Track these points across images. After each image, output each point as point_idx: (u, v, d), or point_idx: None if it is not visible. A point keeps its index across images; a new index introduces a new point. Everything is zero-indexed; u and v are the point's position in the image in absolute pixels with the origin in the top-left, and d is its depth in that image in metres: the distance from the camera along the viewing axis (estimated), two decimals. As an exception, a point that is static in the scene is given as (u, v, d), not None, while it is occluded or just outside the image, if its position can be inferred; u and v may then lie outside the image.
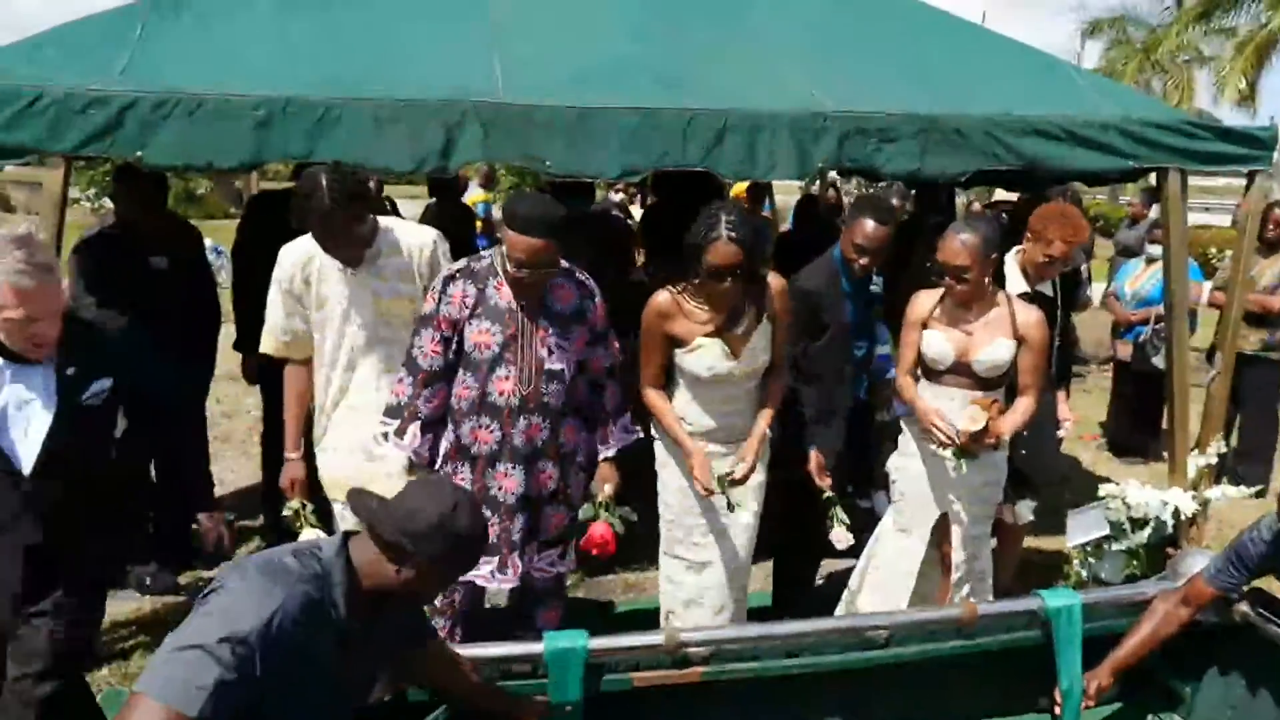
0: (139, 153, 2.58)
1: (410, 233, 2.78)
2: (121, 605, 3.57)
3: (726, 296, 2.65)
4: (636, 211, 9.51)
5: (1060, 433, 3.69)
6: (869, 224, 3.08)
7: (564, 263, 2.60)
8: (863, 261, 3.12)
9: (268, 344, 2.81)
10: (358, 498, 1.77)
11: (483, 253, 2.64)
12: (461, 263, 2.61)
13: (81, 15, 3.01)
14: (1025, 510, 3.31)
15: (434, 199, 6.61)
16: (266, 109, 2.60)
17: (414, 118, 2.68)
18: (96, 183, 14.36)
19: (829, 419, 3.21)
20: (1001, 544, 3.58)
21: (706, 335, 2.71)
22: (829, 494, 3.03)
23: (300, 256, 2.67)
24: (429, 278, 2.70)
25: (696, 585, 2.90)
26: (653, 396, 2.82)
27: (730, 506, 2.75)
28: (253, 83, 2.68)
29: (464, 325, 2.55)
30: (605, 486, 2.74)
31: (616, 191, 11.00)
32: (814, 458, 3.06)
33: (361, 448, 2.71)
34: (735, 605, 2.95)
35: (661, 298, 2.74)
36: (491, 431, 2.58)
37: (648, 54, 3.14)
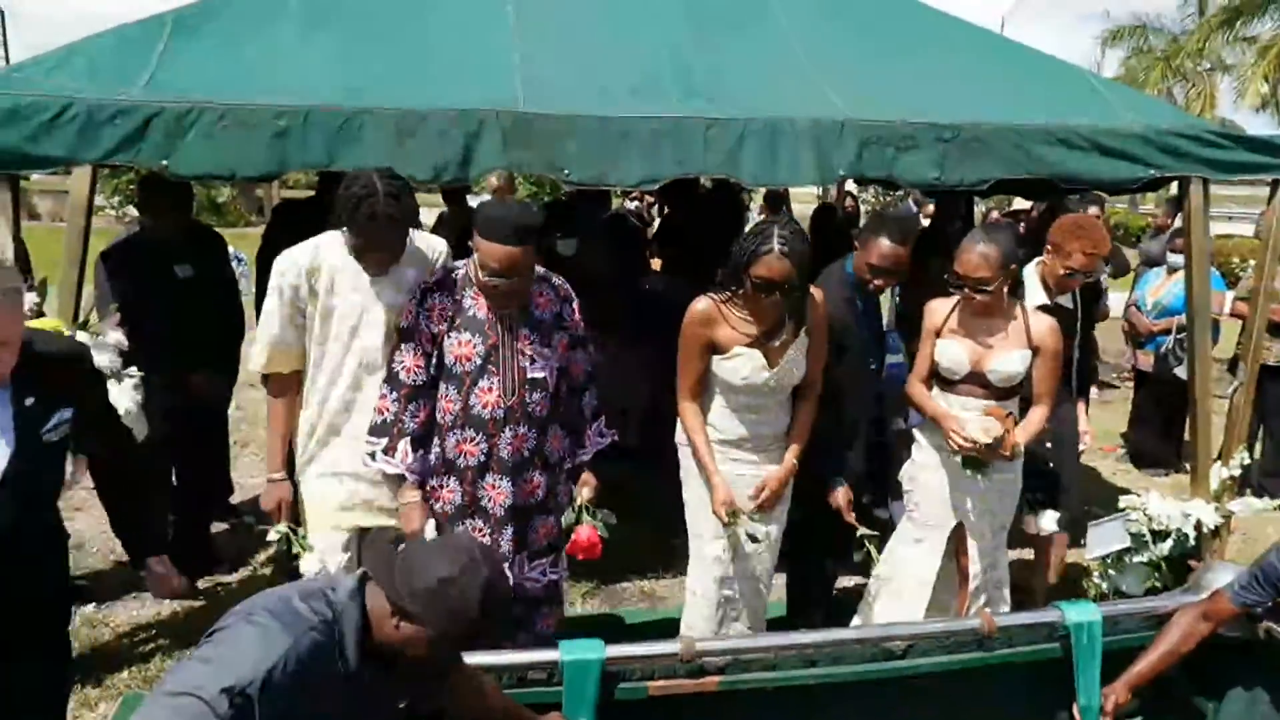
0: (164, 162, 2.62)
1: (425, 241, 2.74)
2: (141, 610, 3.61)
3: (772, 309, 2.63)
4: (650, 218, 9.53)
5: (1080, 446, 3.63)
6: (885, 243, 2.96)
7: (539, 269, 2.57)
8: (877, 281, 3.03)
9: (265, 359, 2.61)
10: (370, 547, 1.71)
11: (457, 263, 2.61)
12: (437, 274, 2.57)
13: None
14: (1049, 521, 3.25)
15: (449, 206, 6.65)
16: (288, 119, 2.64)
17: (434, 127, 2.71)
18: (121, 191, 14.53)
19: (850, 443, 3.15)
20: (1036, 556, 3.54)
21: (745, 345, 2.69)
22: (863, 531, 2.98)
23: (307, 264, 2.54)
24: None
25: (718, 596, 2.89)
26: (689, 413, 2.78)
27: (751, 538, 2.75)
28: (275, 93, 2.71)
29: (443, 338, 2.51)
30: (584, 490, 2.71)
31: (631, 199, 11.02)
32: (842, 494, 2.99)
33: (356, 472, 2.61)
34: (754, 618, 2.95)
35: (703, 305, 2.71)
36: (477, 444, 2.55)
37: (667, 62, 3.15)
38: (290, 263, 2.54)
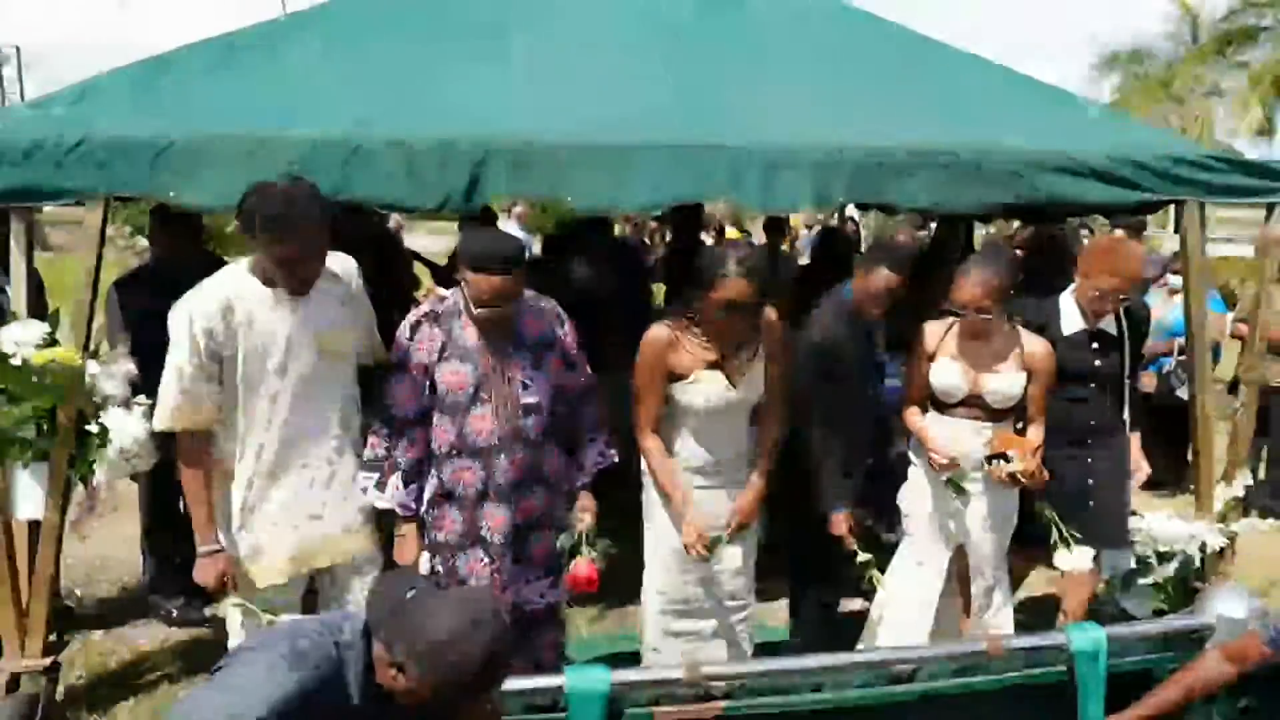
0: (172, 193, 2.67)
1: (336, 259, 2.59)
2: (149, 636, 3.61)
3: (730, 331, 2.65)
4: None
5: (1133, 482, 3.40)
6: (884, 273, 3.03)
7: (528, 291, 2.58)
8: (876, 311, 3.09)
9: (170, 417, 2.38)
10: (374, 594, 1.67)
11: (445, 294, 2.62)
12: (425, 306, 2.58)
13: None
14: (1083, 560, 3.03)
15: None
16: (297, 150, 2.68)
17: (440, 156, 2.74)
18: (132, 221, 14.63)
19: (848, 467, 3.14)
20: (1064, 593, 3.44)
21: (706, 368, 2.71)
22: (864, 557, 2.98)
23: (218, 303, 2.35)
24: (358, 306, 2.63)
25: (687, 629, 2.89)
26: (651, 444, 2.77)
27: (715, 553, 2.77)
28: (285, 124, 2.76)
29: (434, 368, 2.50)
30: (585, 517, 2.67)
31: (632, 225, 11.09)
32: (841, 520, 2.99)
33: (307, 513, 2.51)
34: (730, 648, 2.94)
35: (660, 331, 2.72)
36: (474, 472, 2.55)
37: (670, 91, 3.20)
38: (197, 307, 2.34)
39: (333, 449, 2.55)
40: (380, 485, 2.56)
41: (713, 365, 2.71)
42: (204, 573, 2.46)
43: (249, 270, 2.43)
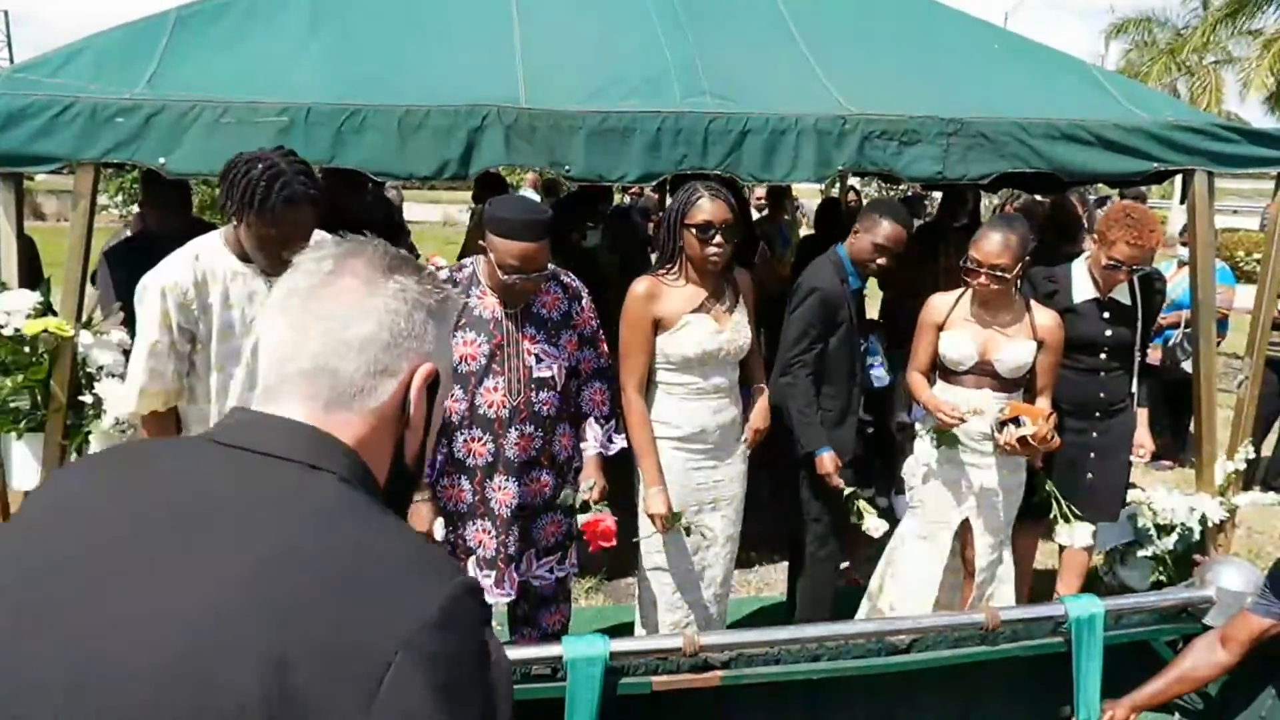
0: (162, 159, 2.62)
1: (319, 237, 2.49)
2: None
3: (715, 258, 2.65)
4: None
5: (1133, 459, 3.39)
6: (887, 224, 3.02)
7: (549, 265, 2.55)
8: (881, 261, 3.05)
9: (139, 399, 2.27)
10: None
11: (463, 262, 2.59)
12: (444, 273, 2.53)
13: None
14: (1083, 535, 3.05)
15: (481, 205, 6.66)
16: (290, 115, 2.63)
17: (436, 124, 2.70)
18: (124, 190, 14.55)
19: (843, 418, 3.16)
20: (1062, 566, 3.45)
21: (692, 312, 2.71)
22: (849, 490, 3.01)
23: (191, 277, 2.24)
24: None
25: (676, 596, 2.88)
26: (635, 402, 2.73)
27: (688, 531, 2.75)
28: (277, 90, 2.71)
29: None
30: (594, 487, 2.63)
31: (633, 195, 11.00)
32: (828, 459, 3.02)
33: None
34: (717, 615, 2.94)
35: (643, 283, 2.72)
36: (484, 443, 2.54)
37: (669, 58, 3.14)
38: (168, 279, 2.22)
39: None
40: None
41: (699, 309, 2.72)
42: None
43: (223, 243, 2.32)
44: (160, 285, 2.22)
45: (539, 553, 2.70)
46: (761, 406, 2.90)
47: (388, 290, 0.92)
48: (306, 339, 0.89)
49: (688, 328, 2.70)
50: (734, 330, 2.77)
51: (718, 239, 2.63)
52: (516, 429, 2.54)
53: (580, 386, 2.72)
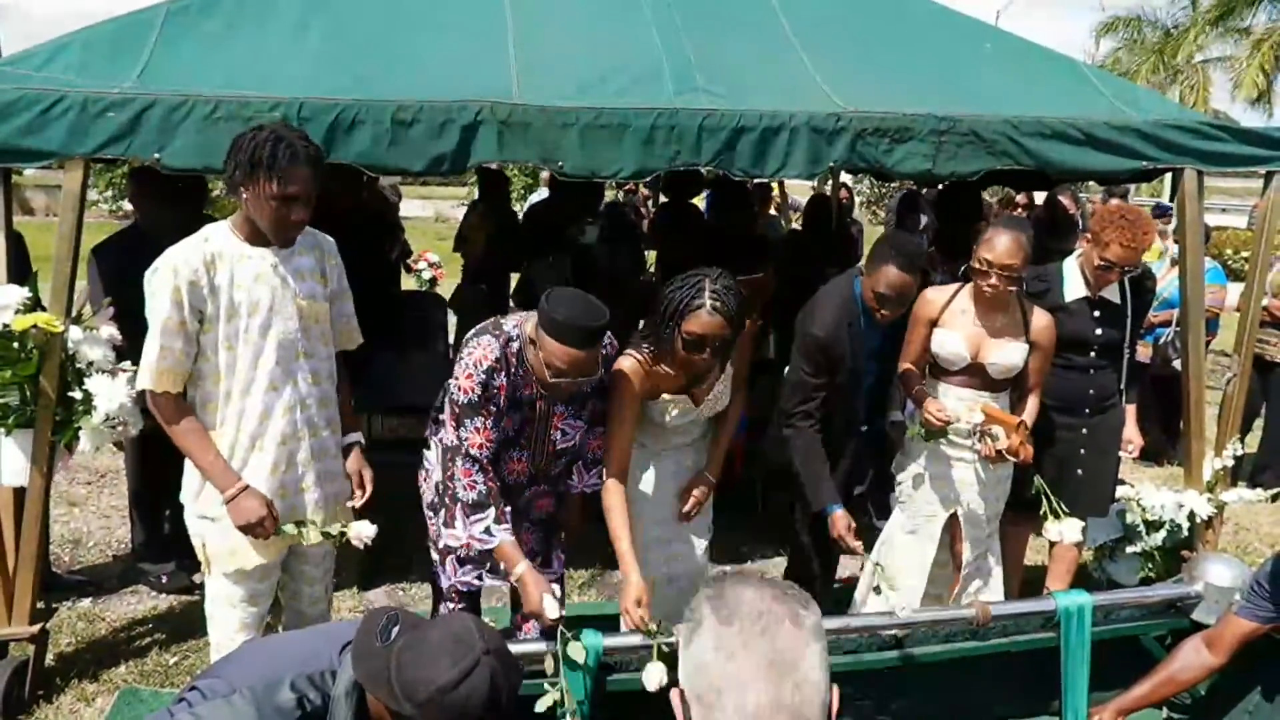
0: (156, 155, 2.61)
1: (315, 233, 2.50)
2: (137, 604, 3.61)
3: (698, 365, 2.52)
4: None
5: (1122, 454, 3.37)
6: (893, 271, 2.75)
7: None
8: (884, 311, 2.84)
9: (156, 377, 2.24)
10: (359, 656, 1.55)
11: (509, 332, 2.41)
12: (495, 350, 2.36)
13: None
14: (1073, 532, 3.01)
15: (482, 201, 6.61)
16: (283, 111, 2.63)
17: (430, 119, 2.70)
18: (115, 185, 14.47)
19: (836, 463, 3.04)
20: (1052, 561, 3.46)
21: (672, 394, 2.65)
22: (872, 559, 2.97)
23: (201, 256, 2.25)
24: (335, 286, 2.50)
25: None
26: (614, 493, 2.54)
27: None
28: (270, 85, 2.70)
29: (501, 415, 2.44)
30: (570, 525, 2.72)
31: (627, 191, 11.01)
32: (840, 519, 2.83)
33: (280, 486, 2.37)
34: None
35: (629, 366, 2.55)
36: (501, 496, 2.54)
37: (662, 55, 3.14)
38: (180, 259, 2.24)
39: (317, 421, 2.44)
40: (499, 520, 2.43)
41: (679, 390, 2.64)
42: (246, 512, 2.27)
43: (231, 228, 2.34)
44: (172, 264, 2.24)
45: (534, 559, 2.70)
46: (701, 490, 2.79)
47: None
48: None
49: (664, 404, 2.66)
50: (712, 403, 2.72)
51: (707, 354, 2.47)
52: (532, 488, 2.63)
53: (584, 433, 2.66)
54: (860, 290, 2.91)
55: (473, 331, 2.45)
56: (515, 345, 2.39)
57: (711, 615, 0.97)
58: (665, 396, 2.64)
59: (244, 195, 2.25)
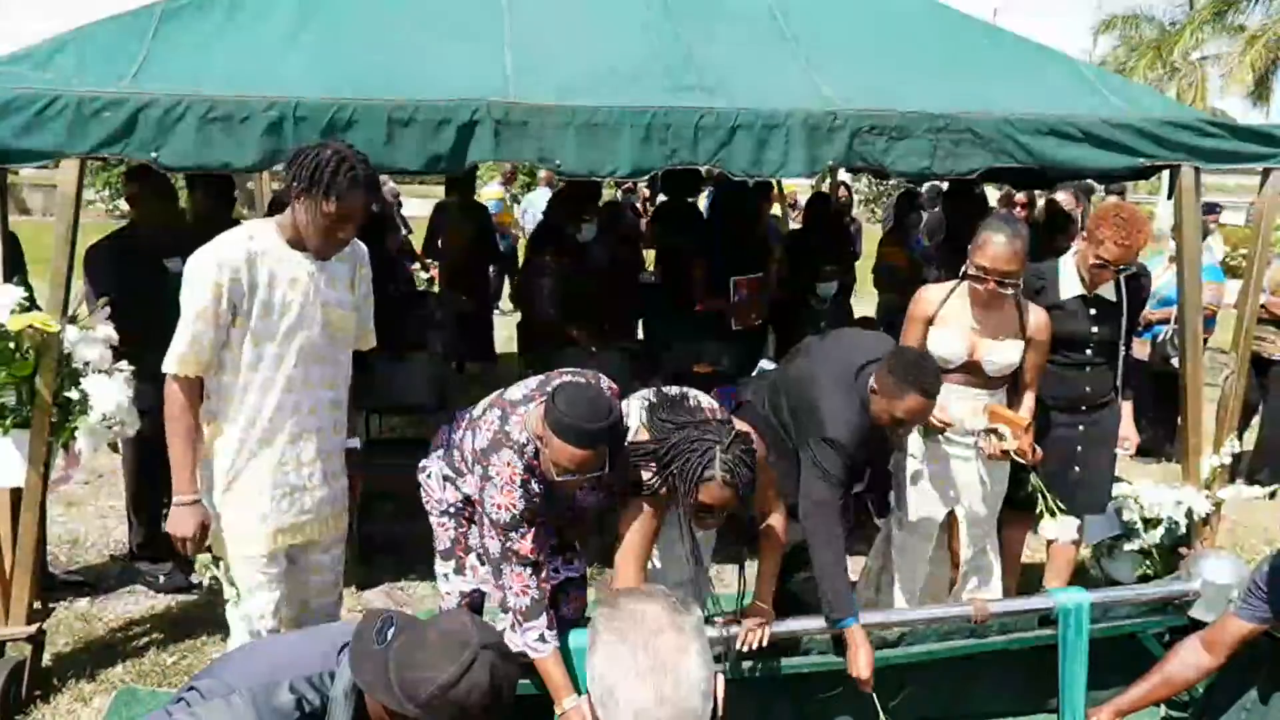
0: (153, 154, 2.61)
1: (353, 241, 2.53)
2: (135, 604, 3.61)
3: (705, 524, 2.41)
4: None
5: (1119, 452, 3.35)
6: (916, 400, 2.54)
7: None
8: (901, 432, 2.78)
9: (180, 359, 2.29)
10: (358, 659, 1.54)
11: (520, 439, 2.33)
12: (520, 464, 2.31)
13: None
14: (1068, 530, 3.00)
15: (451, 196, 6.69)
16: (279, 110, 2.62)
17: (427, 118, 2.69)
18: (111, 185, 14.45)
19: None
20: (1049, 560, 3.46)
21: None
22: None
23: (244, 253, 2.29)
24: (362, 293, 2.55)
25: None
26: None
27: None
28: (266, 85, 2.69)
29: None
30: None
31: (626, 190, 11.01)
32: (858, 634, 2.55)
33: (286, 483, 2.42)
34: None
35: (646, 530, 2.43)
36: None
37: (659, 54, 3.14)
38: (225, 253, 2.28)
39: (326, 424, 2.49)
40: (551, 626, 2.38)
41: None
42: (181, 524, 2.33)
43: (276, 228, 2.37)
44: (216, 259, 2.28)
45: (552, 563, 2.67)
46: (761, 610, 2.58)
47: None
48: None
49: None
50: (716, 527, 2.61)
51: (713, 520, 2.39)
52: (553, 539, 2.59)
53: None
54: (871, 405, 2.65)
55: (484, 442, 2.34)
56: (531, 448, 2.34)
57: (605, 630, 1.20)
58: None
59: (296, 204, 2.30)
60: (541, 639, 2.32)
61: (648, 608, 1.21)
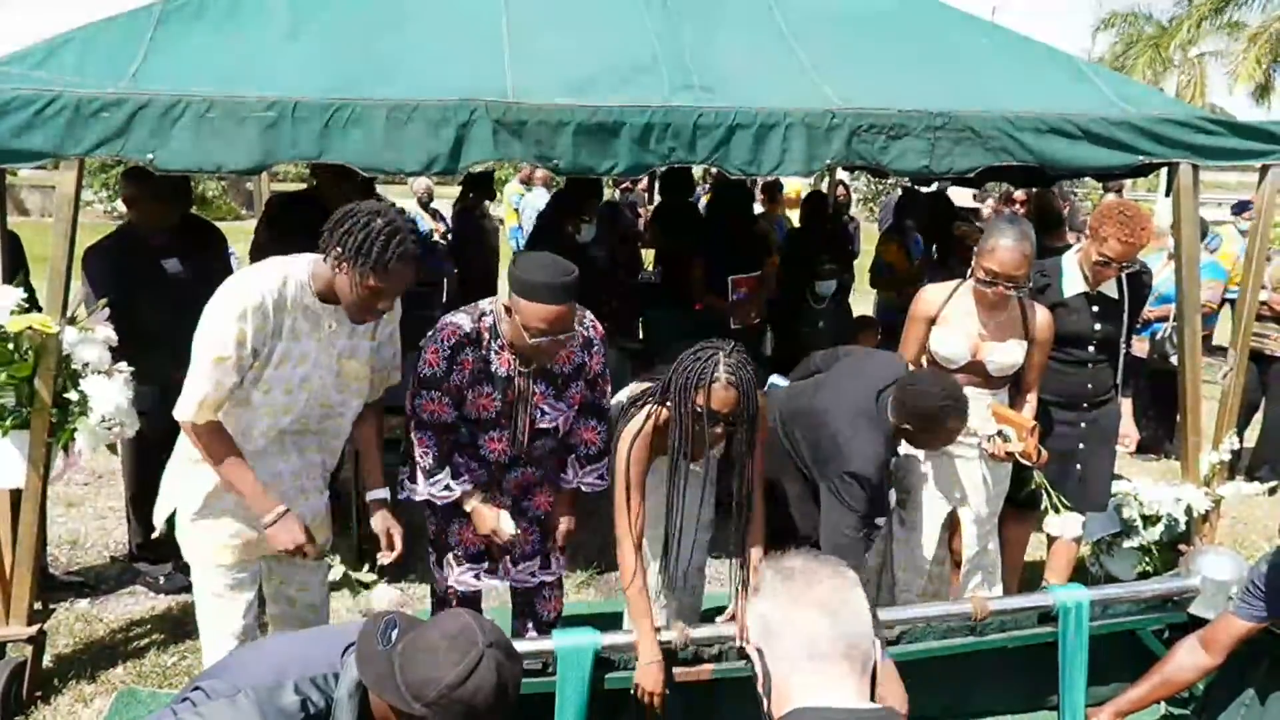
0: (150, 155, 2.60)
1: None
2: (135, 605, 3.61)
3: (705, 439, 2.38)
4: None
5: (1119, 448, 3.38)
6: (947, 435, 2.65)
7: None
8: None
9: (204, 409, 2.22)
10: (363, 659, 1.55)
11: (483, 308, 2.47)
12: (467, 325, 2.42)
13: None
14: (1073, 526, 2.99)
15: (470, 194, 6.75)
16: (277, 110, 2.61)
17: (424, 118, 2.69)
18: (109, 186, 14.43)
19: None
20: (1050, 555, 3.46)
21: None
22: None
23: (272, 301, 2.21)
24: (385, 346, 2.51)
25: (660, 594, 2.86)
26: (629, 554, 2.46)
27: None
28: (263, 85, 2.69)
29: (466, 390, 2.47)
30: (562, 524, 2.74)
31: (624, 190, 11.00)
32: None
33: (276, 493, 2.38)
34: (689, 608, 2.94)
35: (643, 425, 2.48)
36: (481, 475, 2.61)
37: (657, 52, 3.13)
38: (254, 300, 2.19)
39: (315, 467, 2.51)
40: (456, 475, 2.55)
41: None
42: (284, 536, 2.30)
43: (309, 276, 2.28)
44: (244, 305, 2.18)
45: (513, 558, 2.74)
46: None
47: None
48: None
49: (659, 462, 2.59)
50: (708, 460, 2.66)
51: (719, 428, 2.36)
52: (516, 470, 2.64)
53: (573, 422, 2.66)
54: (886, 415, 2.69)
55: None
56: (489, 319, 2.44)
57: (774, 578, 1.33)
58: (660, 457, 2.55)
59: (337, 270, 2.21)
60: (447, 488, 2.53)
61: (808, 562, 1.34)
